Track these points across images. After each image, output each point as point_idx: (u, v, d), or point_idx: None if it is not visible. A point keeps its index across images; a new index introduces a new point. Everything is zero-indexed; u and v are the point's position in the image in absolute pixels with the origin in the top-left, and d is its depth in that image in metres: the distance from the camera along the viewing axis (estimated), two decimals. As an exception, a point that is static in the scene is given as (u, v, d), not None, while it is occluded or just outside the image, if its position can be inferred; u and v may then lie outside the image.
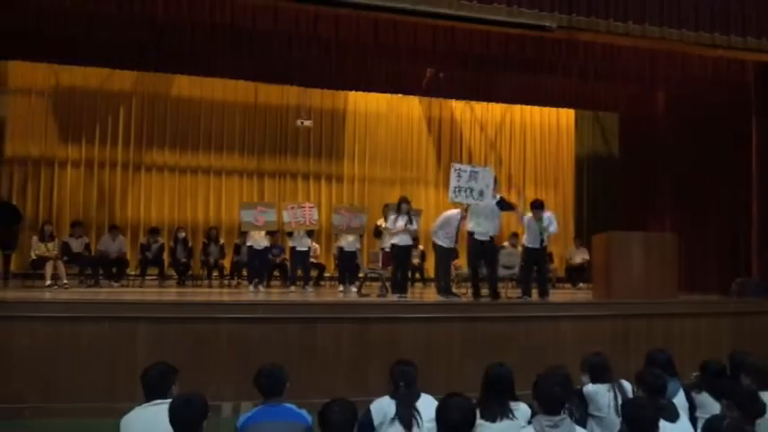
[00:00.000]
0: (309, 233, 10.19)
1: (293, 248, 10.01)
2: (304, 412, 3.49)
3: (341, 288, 9.88)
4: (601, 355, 4.35)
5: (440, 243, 8.49)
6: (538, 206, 8.55)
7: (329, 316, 6.95)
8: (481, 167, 8.42)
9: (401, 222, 8.66)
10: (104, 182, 12.56)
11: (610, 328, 7.63)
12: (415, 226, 8.76)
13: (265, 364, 3.68)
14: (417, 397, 3.68)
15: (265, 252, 10.14)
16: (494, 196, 8.18)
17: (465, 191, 8.07)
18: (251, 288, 9.81)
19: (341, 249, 9.93)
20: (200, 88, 12.99)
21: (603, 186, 14.51)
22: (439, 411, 3.14)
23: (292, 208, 9.86)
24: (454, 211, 8.53)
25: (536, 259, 8.56)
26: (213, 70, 11.12)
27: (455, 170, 8.10)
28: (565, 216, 14.78)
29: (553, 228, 8.56)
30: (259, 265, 10.07)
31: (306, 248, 10.06)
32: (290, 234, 9.99)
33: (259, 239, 9.94)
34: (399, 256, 8.73)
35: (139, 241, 11.73)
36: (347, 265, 9.95)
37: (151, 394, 3.36)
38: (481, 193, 8.05)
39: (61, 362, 6.20)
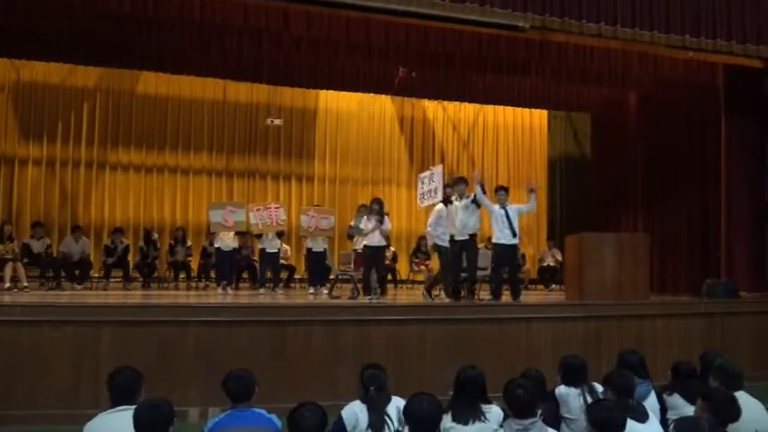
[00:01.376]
0: (279, 234, 10.14)
1: (262, 250, 9.96)
2: (273, 417, 3.47)
3: (311, 290, 9.85)
4: (577, 357, 4.39)
5: (441, 243, 8.52)
6: (505, 190, 8.49)
7: (299, 319, 6.91)
8: (435, 168, 8.87)
9: (373, 222, 8.65)
10: (67, 181, 12.35)
11: (582, 330, 7.69)
12: (387, 226, 8.75)
13: (233, 368, 3.65)
14: (388, 401, 3.68)
15: (234, 253, 10.07)
16: (467, 195, 8.21)
17: (428, 194, 8.57)
18: (219, 290, 9.73)
19: (309, 250, 9.90)
20: (167, 85, 12.86)
21: (576, 187, 14.68)
22: (406, 408, 3.17)
23: (258, 210, 9.81)
24: (440, 205, 8.59)
25: (508, 257, 8.41)
26: (181, 67, 11.02)
27: (419, 179, 8.73)
28: (538, 217, 14.92)
29: (532, 206, 8.52)
30: (228, 267, 9.99)
31: (275, 250, 10.02)
32: (260, 236, 9.94)
33: (228, 240, 9.87)
34: (372, 257, 8.72)
35: (103, 242, 11.54)
36: (316, 267, 9.92)
37: (117, 400, 3.31)
38: (435, 191, 8.44)
39: (21, 367, 6.07)
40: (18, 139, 12.12)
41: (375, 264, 8.70)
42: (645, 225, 11.90)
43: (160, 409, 2.93)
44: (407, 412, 3.15)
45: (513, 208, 8.23)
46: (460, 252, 8.13)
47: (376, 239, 8.64)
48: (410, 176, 14.23)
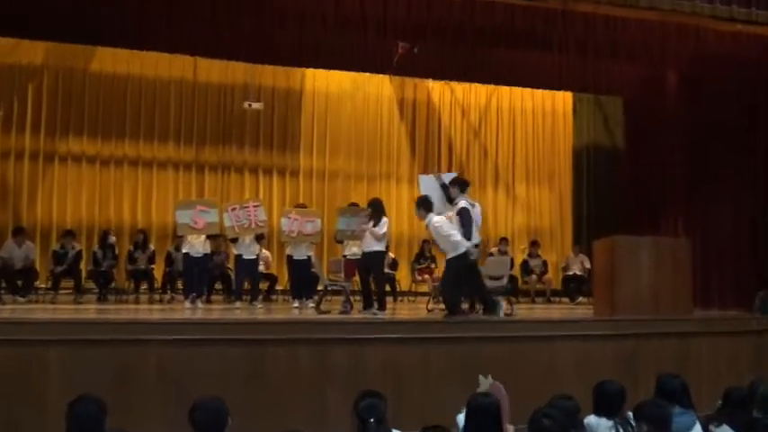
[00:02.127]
0: (258, 238, 10.11)
1: (239, 257, 9.93)
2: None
3: (295, 303, 9.83)
4: (614, 382, 4.37)
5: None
6: (466, 184, 8.75)
7: (281, 337, 6.89)
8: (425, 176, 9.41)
9: (356, 224, 8.70)
10: (8, 175, 12.31)
11: (613, 350, 7.67)
12: (382, 229, 8.73)
13: (203, 396, 3.62)
14: None
15: (205, 260, 10.04)
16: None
17: None
18: (187, 304, 9.71)
19: (289, 258, 9.88)
20: (127, 63, 12.83)
21: (606, 183, 14.67)
22: None
23: (233, 209, 9.78)
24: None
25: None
26: (144, 42, 10.97)
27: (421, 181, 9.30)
28: (562, 217, 14.94)
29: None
30: (197, 277, 9.96)
31: (254, 257, 10.00)
32: (235, 240, 9.91)
33: (197, 245, 9.84)
34: (366, 265, 8.71)
35: (51, 248, 11.51)
36: (300, 276, 9.91)
37: None
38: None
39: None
40: (-50, 125, 12.12)
41: (371, 271, 8.69)
42: (686, 227, 11.88)
43: None
44: None
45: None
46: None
47: (369, 244, 8.63)
48: (411, 170, 14.21)
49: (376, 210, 8.75)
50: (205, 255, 10.01)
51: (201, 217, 9.65)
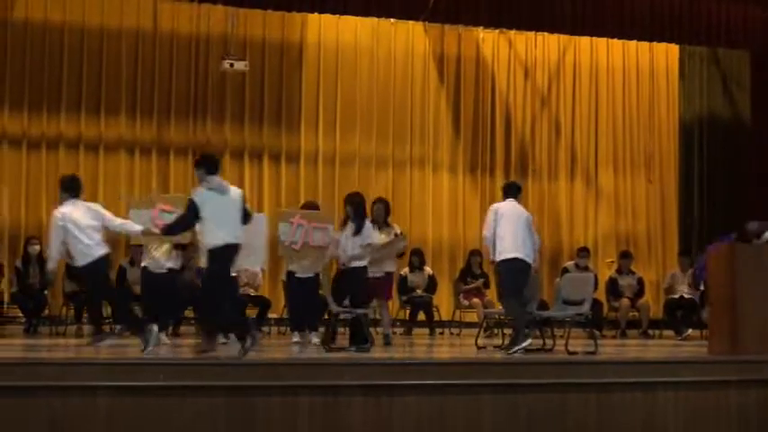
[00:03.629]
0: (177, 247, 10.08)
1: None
2: None
3: (295, 338, 9.86)
4: None
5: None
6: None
7: (276, 384, 6.94)
8: None
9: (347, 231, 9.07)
10: None
11: (737, 402, 7.65)
12: (366, 240, 9.02)
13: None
14: None
15: (171, 277, 10.09)
16: None
17: None
18: (149, 345, 9.67)
19: (290, 275, 9.91)
20: (63, 7, 12.96)
21: (726, 168, 14.64)
22: None
23: None
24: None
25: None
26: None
27: None
28: (664, 219, 14.86)
29: None
30: (162, 299, 10.03)
31: (234, 273, 10.04)
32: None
33: (159, 257, 9.88)
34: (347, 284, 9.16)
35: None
36: (304, 300, 9.93)
37: None
38: None
39: None
40: None
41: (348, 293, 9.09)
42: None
43: None
44: None
45: None
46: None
47: (350, 257, 9.03)
48: (454, 154, 14.26)
49: (357, 210, 9.07)
50: (170, 270, 10.04)
51: (164, 219, 9.67)
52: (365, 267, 9.21)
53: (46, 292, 11.46)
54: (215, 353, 7.76)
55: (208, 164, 7.85)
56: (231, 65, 12.67)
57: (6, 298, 11.33)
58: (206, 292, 7.94)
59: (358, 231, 9.04)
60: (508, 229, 8.71)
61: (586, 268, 12.42)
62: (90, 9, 12.98)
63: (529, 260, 8.78)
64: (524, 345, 8.49)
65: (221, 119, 13.60)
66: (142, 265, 10.01)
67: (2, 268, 11.29)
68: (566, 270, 12.68)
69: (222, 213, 7.59)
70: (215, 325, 8.19)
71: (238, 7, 12.55)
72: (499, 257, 8.74)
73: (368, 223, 9.20)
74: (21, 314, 11.28)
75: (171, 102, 13.43)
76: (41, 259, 11.41)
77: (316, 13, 13.20)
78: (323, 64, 14.05)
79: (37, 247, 11.50)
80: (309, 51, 14.00)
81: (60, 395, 6.52)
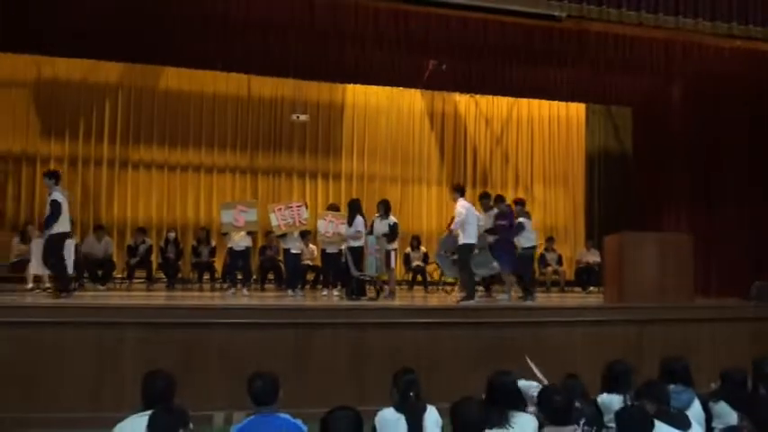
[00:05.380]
0: (303, 234, 10.15)
1: (287, 251, 10.01)
2: (299, 422, 3.49)
3: (324, 292, 10.23)
4: (622, 362, 4.35)
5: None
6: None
7: (325, 321, 6.95)
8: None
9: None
10: (89, 180, 12.54)
11: (623, 335, 7.62)
12: (357, 227, 9.20)
13: (258, 370, 3.69)
14: (424, 410, 3.66)
15: (246, 253, 10.12)
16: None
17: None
18: (230, 292, 9.76)
19: (323, 252, 10.10)
20: (190, 81, 12.98)
21: (616, 184, 14.51)
22: (454, 412, 3.16)
23: (280, 209, 9.82)
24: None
25: None
26: (204, 62, 11.11)
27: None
28: (575, 215, 14.81)
29: None
30: (242, 267, 10.08)
31: (298, 251, 10.05)
32: (284, 236, 9.98)
33: (238, 240, 9.91)
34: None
35: (126, 242, 11.72)
36: (331, 268, 10.05)
37: (150, 404, 3.41)
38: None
39: (43, 370, 6.20)
40: (40, 136, 12.32)
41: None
42: (689, 224, 11.69)
43: (173, 414, 2.99)
44: (455, 416, 3.15)
45: None
46: None
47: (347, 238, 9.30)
48: (440, 174, 14.21)
49: (351, 209, 9.37)
50: (247, 248, 10.08)
51: (242, 216, 9.75)
52: (360, 247, 9.13)
53: (180, 262, 11.54)
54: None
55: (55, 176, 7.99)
56: (297, 117, 12.64)
57: (155, 266, 11.38)
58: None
59: (350, 223, 9.20)
60: (472, 222, 8.65)
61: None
62: (207, 81, 12.96)
63: (473, 241, 8.66)
64: (474, 300, 8.47)
65: (291, 151, 13.56)
66: (228, 245, 10.06)
67: (152, 247, 11.36)
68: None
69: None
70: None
71: (302, 80, 12.49)
72: (464, 241, 8.61)
73: (359, 218, 9.24)
74: (164, 277, 11.33)
75: (259, 140, 13.39)
76: (177, 242, 11.49)
77: (352, 84, 13.15)
78: (356, 116, 13.97)
79: (172, 234, 11.59)
80: (347, 108, 13.93)
81: (188, 328, 6.58)
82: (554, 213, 14.78)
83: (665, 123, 12.79)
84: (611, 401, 4.08)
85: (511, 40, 9.47)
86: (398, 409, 3.67)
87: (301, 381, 6.30)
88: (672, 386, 4.14)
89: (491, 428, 3.39)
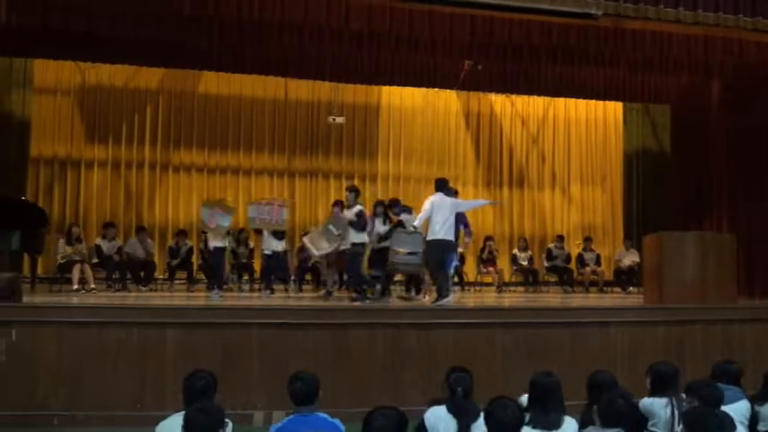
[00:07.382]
0: (276, 233, 10.02)
1: (216, 247, 9.51)
2: (337, 422, 3.50)
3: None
4: (668, 364, 4.25)
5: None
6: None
7: (362, 322, 6.95)
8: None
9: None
10: (131, 182, 12.77)
11: (663, 336, 7.48)
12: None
13: (298, 370, 3.71)
14: (477, 416, 3.55)
15: (279, 255, 10.14)
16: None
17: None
18: (213, 293, 9.21)
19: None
20: (228, 85, 13.13)
21: (655, 184, 14.24)
22: (488, 414, 3.13)
23: (260, 204, 9.77)
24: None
25: None
26: (241, 66, 11.21)
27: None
28: (613, 215, 14.60)
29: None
30: (278, 270, 10.22)
31: (269, 252, 10.03)
32: (260, 231, 10.05)
33: (213, 239, 9.48)
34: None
35: (167, 244, 11.87)
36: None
37: (192, 403, 3.43)
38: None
39: (88, 368, 6.32)
40: (84, 141, 12.60)
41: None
42: (730, 224, 11.41)
43: (210, 413, 3.01)
44: (490, 417, 3.11)
45: None
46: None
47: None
48: (476, 174, 14.14)
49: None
50: (274, 252, 10.08)
51: (214, 219, 9.20)
52: (386, 248, 8.69)
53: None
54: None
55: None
56: (334, 119, 12.71)
57: (195, 267, 11.51)
58: None
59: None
60: (438, 218, 8.03)
61: (562, 249, 12.34)
62: (244, 85, 13.11)
63: (450, 238, 8.15)
64: (449, 299, 8.00)
65: (328, 153, 13.63)
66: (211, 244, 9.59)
67: (192, 249, 11.48)
68: (549, 250, 12.58)
69: None
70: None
71: (338, 82, 12.53)
72: (429, 237, 8.11)
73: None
74: (204, 278, 11.46)
75: (296, 143, 13.48)
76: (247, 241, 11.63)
77: (387, 86, 13.13)
78: (392, 118, 13.99)
79: (245, 233, 11.63)
80: (383, 109, 13.96)
81: (230, 328, 6.63)
82: (592, 213, 14.59)
83: (705, 121, 12.50)
84: (653, 404, 4.00)
85: (546, 40, 9.35)
86: (449, 409, 3.65)
87: (338, 381, 6.31)
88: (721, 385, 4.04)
89: (534, 428, 3.36)
